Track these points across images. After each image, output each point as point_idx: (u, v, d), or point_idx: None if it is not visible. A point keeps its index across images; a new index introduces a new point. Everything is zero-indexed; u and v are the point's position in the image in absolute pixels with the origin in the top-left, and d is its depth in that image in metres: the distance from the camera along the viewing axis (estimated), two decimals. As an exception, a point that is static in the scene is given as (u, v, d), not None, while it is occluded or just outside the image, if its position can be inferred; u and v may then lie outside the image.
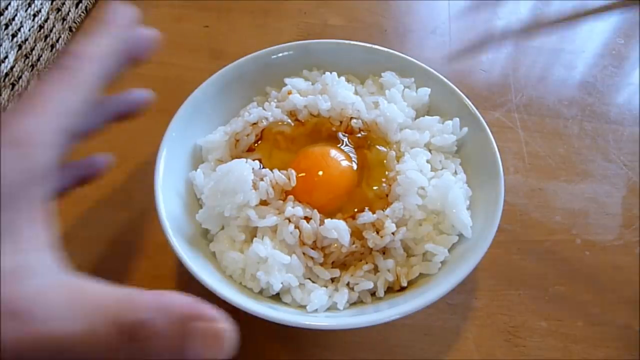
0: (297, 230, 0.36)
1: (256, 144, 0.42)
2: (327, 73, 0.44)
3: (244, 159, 0.39)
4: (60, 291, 0.25)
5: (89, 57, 0.31)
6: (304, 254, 0.36)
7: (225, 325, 0.27)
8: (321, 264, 0.37)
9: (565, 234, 0.48)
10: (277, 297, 0.36)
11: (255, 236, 0.37)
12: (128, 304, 0.25)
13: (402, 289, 0.37)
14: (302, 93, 0.43)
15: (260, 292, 0.36)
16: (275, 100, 0.43)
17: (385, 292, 0.37)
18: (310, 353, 0.41)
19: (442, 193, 0.37)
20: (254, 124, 0.41)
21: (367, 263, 0.37)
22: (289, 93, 0.43)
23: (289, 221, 0.36)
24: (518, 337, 0.42)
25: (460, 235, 0.38)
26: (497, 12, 0.67)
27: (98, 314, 0.25)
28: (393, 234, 0.36)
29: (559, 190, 0.51)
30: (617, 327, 0.43)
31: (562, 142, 0.54)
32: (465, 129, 0.42)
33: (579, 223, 0.49)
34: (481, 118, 0.41)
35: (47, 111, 0.28)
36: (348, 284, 0.36)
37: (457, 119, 0.42)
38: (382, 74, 0.45)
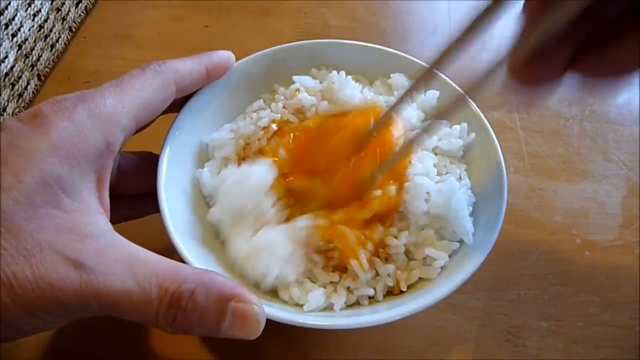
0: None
1: (266, 146, 0.42)
2: (334, 72, 0.43)
3: (261, 165, 0.39)
4: (115, 253, 0.27)
5: (174, 69, 0.35)
6: (305, 255, 0.36)
7: (258, 309, 0.28)
8: (322, 268, 0.36)
9: (565, 234, 0.48)
10: (274, 294, 0.36)
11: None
12: (174, 274, 0.27)
13: (401, 292, 0.36)
14: (309, 91, 0.43)
15: (257, 286, 0.36)
16: (283, 98, 0.43)
17: (384, 296, 0.37)
18: (309, 352, 0.41)
19: (446, 198, 0.37)
20: (265, 127, 0.41)
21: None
22: (297, 91, 0.43)
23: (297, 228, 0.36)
24: (518, 337, 0.42)
25: (461, 241, 0.38)
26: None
27: (148, 278, 0.26)
28: (395, 237, 0.36)
29: (559, 190, 0.51)
30: (617, 327, 0.43)
31: (562, 142, 0.54)
32: (473, 135, 0.41)
33: (579, 223, 0.49)
34: (487, 122, 0.41)
35: (127, 98, 0.31)
36: (348, 288, 0.36)
37: (465, 123, 0.42)
38: (391, 75, 0.45)
